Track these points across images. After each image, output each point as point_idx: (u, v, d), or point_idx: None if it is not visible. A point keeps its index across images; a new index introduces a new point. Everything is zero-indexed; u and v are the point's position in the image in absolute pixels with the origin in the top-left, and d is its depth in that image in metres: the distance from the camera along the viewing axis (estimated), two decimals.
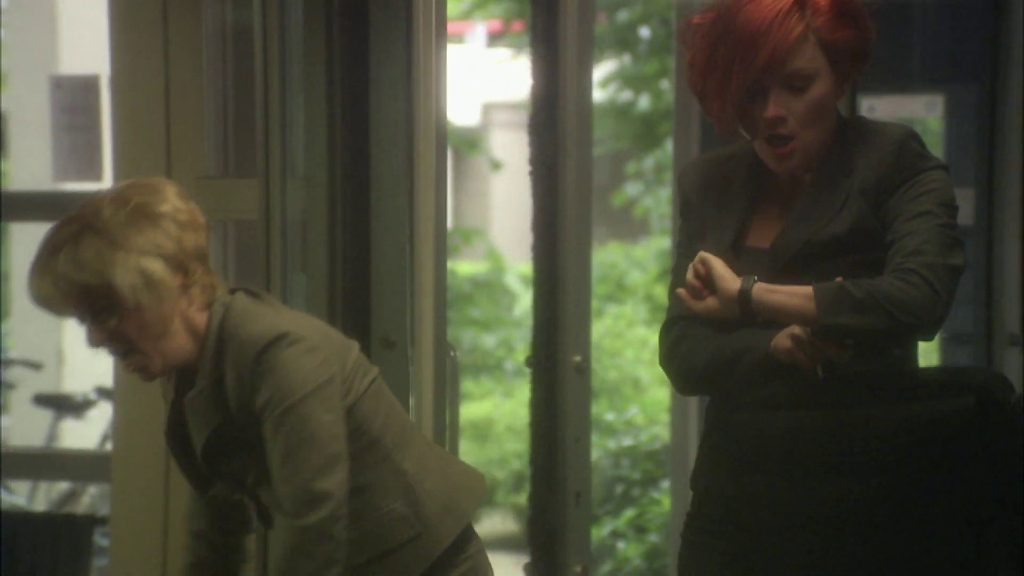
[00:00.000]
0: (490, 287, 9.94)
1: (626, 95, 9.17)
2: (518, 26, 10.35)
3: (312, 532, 2.22)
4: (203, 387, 2.28)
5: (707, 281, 2.19)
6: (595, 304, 8.79)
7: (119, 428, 3.53)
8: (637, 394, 7.62)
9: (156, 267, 2.23)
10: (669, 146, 8.40)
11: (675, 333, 2.30)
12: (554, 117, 3.11)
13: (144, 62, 3.46)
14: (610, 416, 7.18)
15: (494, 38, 11.95)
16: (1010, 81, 3.68)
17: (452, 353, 3.14)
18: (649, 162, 9.33)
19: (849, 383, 2.16)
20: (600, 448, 7.41)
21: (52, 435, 5.64)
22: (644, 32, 8.99)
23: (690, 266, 2.21)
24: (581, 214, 3.15)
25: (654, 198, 9.23)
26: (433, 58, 3.07)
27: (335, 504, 2.23)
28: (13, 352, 5.81)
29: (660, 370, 2.39)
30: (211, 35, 3.55)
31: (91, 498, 5.30)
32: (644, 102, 9.16)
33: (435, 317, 3.09)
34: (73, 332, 5.80)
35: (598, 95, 10.55)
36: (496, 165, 11.66)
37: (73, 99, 4.06)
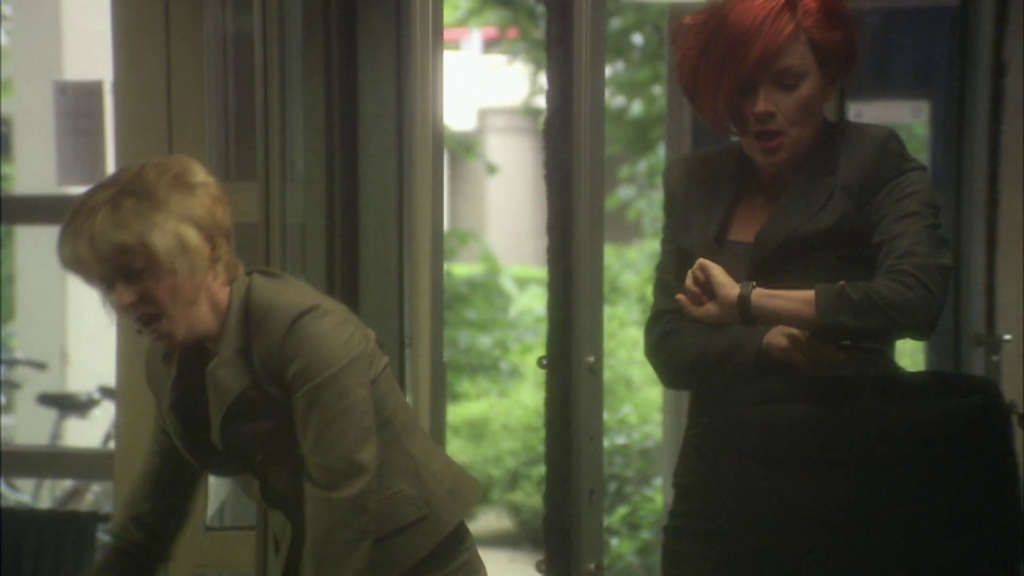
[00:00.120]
0: (485, 289, 9.98)
1: (619, 100, 9.22)
2: (513, 33, 10.39)
3: (348, 504, 2.23)
4: (227, 357, 2.28)
5: (706, 287, 2.22)
6: None
7: (122, 427, 3.55)
8: (630, 393, 7.66)
9: (191, 235, 2.25)
10: (661, 150, 8.46)
11: (662, 327, 2.35)
12: (569, 122, 3.13)
13: (146, 68, 3.47)
14: (604, 415, 7.22)
15: (489, 45, 11.99)
16: (977, 87, 3.73)
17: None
18: (642, 166, 9.38)
19: (849, 381, 2.18)
20: None
21: (56, 434, 5.66)
22: (637, 39, 9.04)
23: (689, 272, 2.23)
24: (594, 217, 3.15)
25: (647, 201, 9.28)
26: (430, 64, 3.08)
27: (370, 476, 2.25)
28: (18, 352, 5.84)
29: (652, 370, 2.42)
30: (212, 41, 3.57)
31: (94, 496, 5.32)
32: (637, 107, 9.22)
33: (432, 318, 3.12)
34: (77, 333, 5.85)
35: None
36: (492, 169, 11.69)
37: (77, 104, 4.09)
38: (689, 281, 2.23)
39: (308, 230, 3.55)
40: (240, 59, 3.59)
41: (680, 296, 2.24)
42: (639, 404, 7.40)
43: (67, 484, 5.35)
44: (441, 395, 3.16)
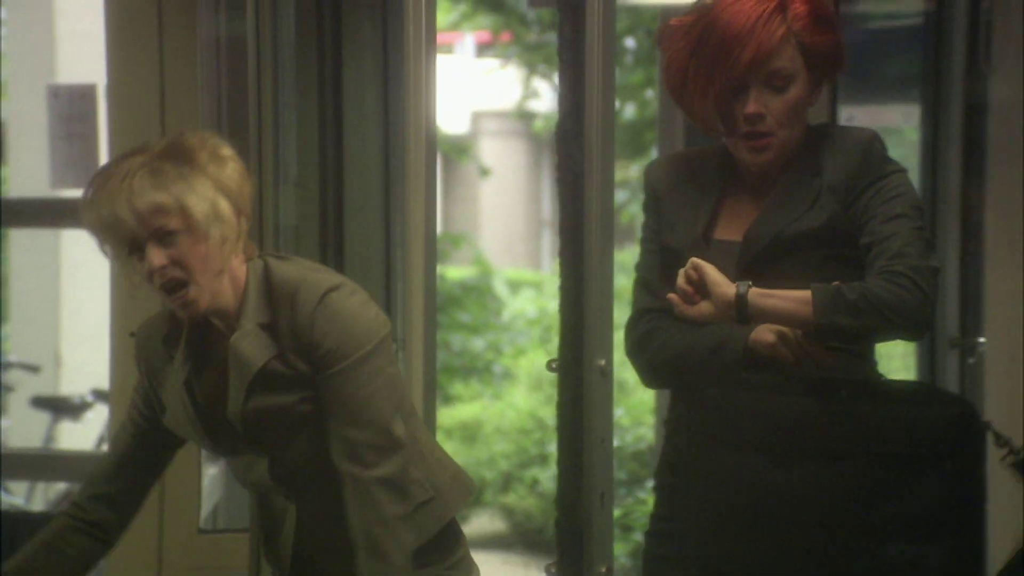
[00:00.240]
0: (479, 291, 9.99)
1: None
2: (506, 37, 10.41)
3: (390, 484, 2.25)
4: (249, 329, 2.29)
5: (699, 285, 2.23)
6: None
7: (115, 430, 3.55)
8: (623, 396, 7.67)
9: (224, 205, 2.27)
10: (654, 154, 8.47)
11: (644, 326, 2.37)
12: (581, 126, 3.13)
13: (140, 72, 3.47)
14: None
15: (483, 48, 12.01)
16: (952, 93, 3.76)
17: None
18: (635, 170, 9.41)
19: (829, 379, 2.20)
20: None
21: (50, 437, 5.66)
22: (629, 43, 9.07)
23: (681, 271, 2.24)
24: (604, 221, 3.14)
25: (640, 205, 9.30)
26: (423, 68, 3.10)
27: (405, 453, 2.28)
28: (11, 355, 5.84)
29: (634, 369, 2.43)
30: (205, 45, 3.58)
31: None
32: (630, 111, 9.24)
33: (425, 321, 3.12)
34: (70, 336, 5.85)
35: None
36: (484, 172, 11.72)
37: (70, 108, 4.09)
38: (681, 280, 2.24)
39: (301, 233, 3.56)
40: (233, 63, 3.60)
41: (672, 295, 2.26)
42: (632, 406, 7.42)
43: (60, 487, 5.34)
44: (432, 397, 3.17)
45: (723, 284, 2.21)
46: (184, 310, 2.29)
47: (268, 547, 2.47)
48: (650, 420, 6.72)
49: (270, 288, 2.31)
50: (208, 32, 3.61)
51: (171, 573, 3.36)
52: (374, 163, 3.61)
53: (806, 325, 2.18)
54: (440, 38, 3.26)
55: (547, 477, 7.76)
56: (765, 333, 2.23)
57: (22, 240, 5.50)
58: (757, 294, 2.19)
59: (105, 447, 4.63)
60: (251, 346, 2.29)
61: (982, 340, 3.63)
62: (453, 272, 10.30)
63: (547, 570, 3.25)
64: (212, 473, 3.90)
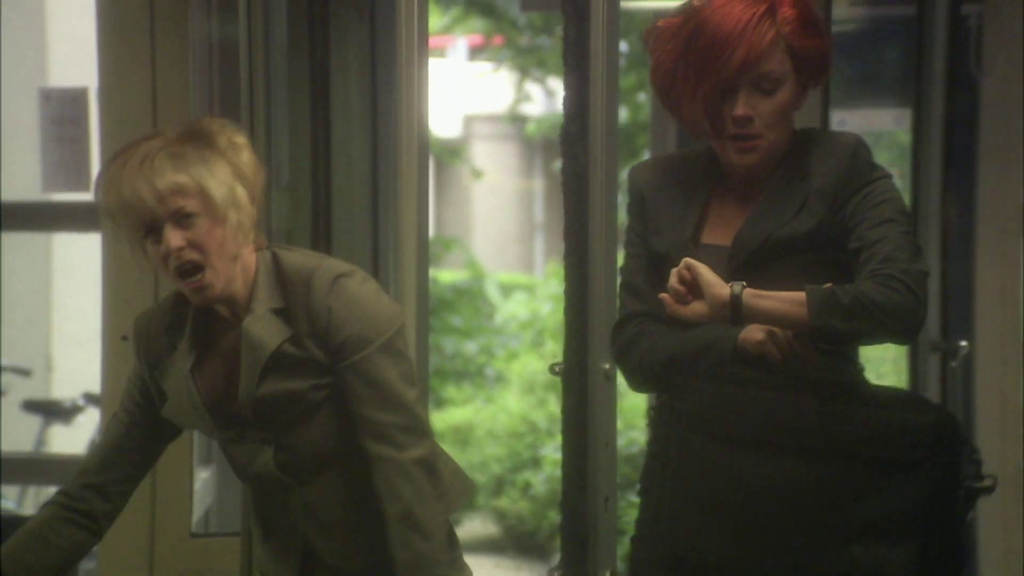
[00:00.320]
0: (471, 295, 10.00)
1: None
2: (498, 40, 10.43)
3: (424, 466, 2.28)
4: (261, 313, 2.30)
5: (692, 286, 2.23)
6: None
7: (107, 420, 3.58)
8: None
9: (241, 191, 2.29)
10: (647, 157, 8.48)
11: (632, 329, 2.37)
12: (586, 129, 3.14)
13: (131, 75, 3.48)
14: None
15: (475, 52, 12.02)
16: (932, 98, 3.77)
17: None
18: (627, 173, 9.41)
19: (812, 378, 2.21)
20: None
21: (41, 441, 5.65)
22: (623, 47, 9.08)
23: (673, 271, 2.24)
24: (608, 225, 3.17)
25: None
26: (415, 71, 3.11)
27: (432, 436, 2.32)
28: (3, 359, 5.83)
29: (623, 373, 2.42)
30: (197, 49, 3.59)
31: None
32: (622, 114, 9.26)
33: (418, 324, 3.12)
34: (61, 340, 5.84)
35: None
36: (477, 173, 11.73)
37: (62, 111, 4.09)
38: (674, 280, 2.24)
39: (294, 237, 3.57)
40: (225, 66, 3.60)
41: (664, 295, 2.26)
42: (624, 410, 7.42)
43: (52, 491, 5.33)
44: (425, 401, 3.17)
45: (717, 284, 2.21)
46: (197, 294, 2.29)
47: (266, 546, 2.46)
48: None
49: (281, 275, 2.32)
50: (200, 35, 3.62)
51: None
52: (361, 166, 3.61)
53: (800, 326, 2.19)
54: (432, 42, 3.26)
55: (539, 481, 7.76)
56: (755, 331, 2.24)
57: (13, 243, 5.49)
58: (751, 295, 2.20)
59: None
60: (264, 329, 2.30)
61: (964, 344, 3.64)
62: (445, 275, 10.31)
63: (550, 574, 3.26)
64: (204, 477, 3.90)
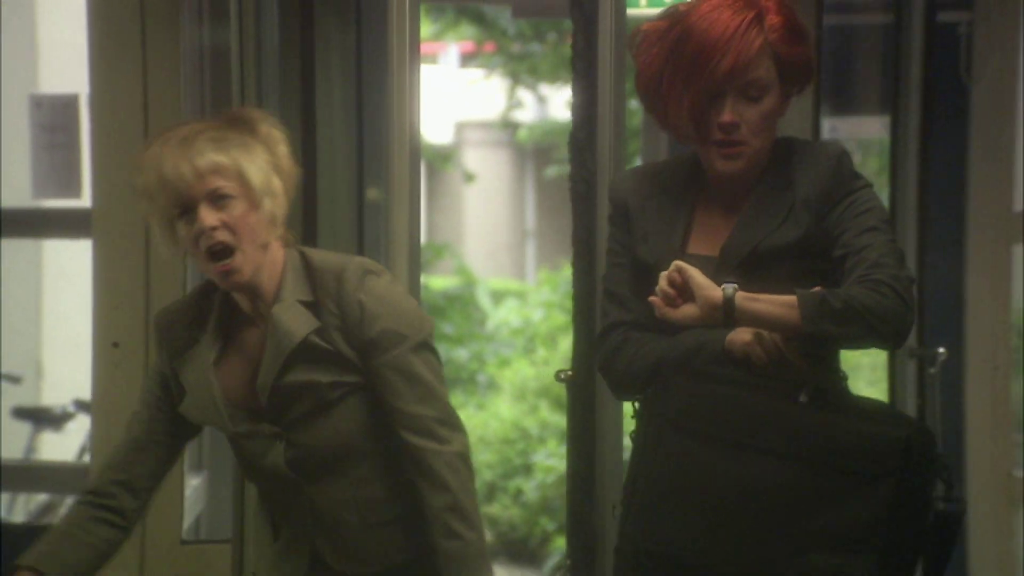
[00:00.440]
0: (462, 301, 10.00)
1: None
2: (490, 47, 10.43)
3: (465, 459, 2.34)
4: (290, 303, 2.32)
5: (683, 289, 2.23)
6: (564, 319, 8.89)
7: (97, 440, 3.55)
8: None
9: (277, 182, 2.32)
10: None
11: (616, 337, 2.37)
12: (594, 135, 3.16)
13: (123, 82, 3.49)
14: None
15: (466, 59, 12.03)
16: (909, 105, 3.78)
17: None
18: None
19: (795, 385, 2.22)
20: None
21: (31, 448, 5.64)
22: None
23: (663, 275, 2.24)
24: None
25: None
26: (407, 78, 3.12)
27: (466, 431, 2.37)
28: None
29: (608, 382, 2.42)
30: (188, 55, 3.60)
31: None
32: None
33: None
34: (52, 346, 5.83)
35: (568, 115, 10.63)
36: (469, 177, 11.74)
37: (53, 118, 4.09)
38: (664, 283, 2.24)
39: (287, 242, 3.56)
40: (216, 73, 3.60)
41: (653, 299, 2.26)
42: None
43: (41, 498, 5.33)
44: None
45: (709, 287, 2.21)
46: (225, 278, 2.31)
47: (274, 547, 2.46)
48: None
49: (310, 270, 2.35)
50: (191, 42, 3.62)
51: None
52: (346, 173, 3.60)
53: (792, 330, 2.19)
54: (424, 48, 3.27)
55: (531, 487, 7.76)
56: (742, 333, 2.25)
57: (4, 250, 5.48)
58: (744, 297, 2.20)
59: (87, 458, 4.62)
60: (294, 318, 2.32)
61: (941, 350, 3.66)
62: (437, 282, 10.31)
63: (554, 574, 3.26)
64: (195, 484, 3.90)
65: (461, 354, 9.28)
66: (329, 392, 2.34)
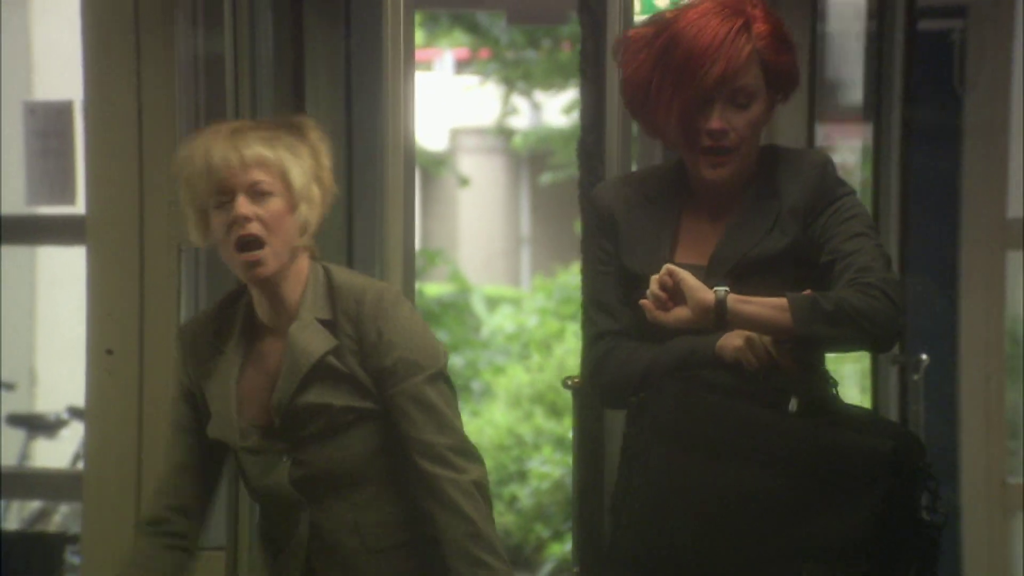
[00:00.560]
0: (457, 308, 9.99)
1: None
2: (485, 53, 10.44)
3: (483, 489, 2.32)
4: (308, 321, 2.33)
5: (674, 292, 2.24)
6: (560, 324, 8.89)
7: (90, 448, 3.54)
8: None
9: (316, 191, 2.35)
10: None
11: (604, 346, 2.37)
12: (602, 141, 3.15)
13: (117, 88, 3.49)
14: None
15: (461, 65, 12.04)
16: (891, 116, 3.79)
17: None
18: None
19: (784, 392, 2.22)
20: (564, 465, 7.48)
21: (24, 454, 5.64)
22: None
23: (655, 278, 2.25)
24: None
25: None
26: (402, 84, 3.12)
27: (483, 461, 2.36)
28: None
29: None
30: (183, 62, 3.58)
31: (63, 517, 5.30)
32: None
33: None
34: (46, 353, 5.82)
35: (563, 121, 10.65)
36: (464, 181, 11.74)
37: (47, 125, 4.09)
38: (655, 286, 2.24)
39: None
40: (211, 79, 3.60)
41: (644, 302, 2.26)
42: None
43: (35, 505, 5.32)
44: None
45: (701, 290, 2.21)
46: (250, 269, 2.31)
47: (271, 568, 2.46)
48: None
49: (332, 288, 2.36)
50: (185, 49, 3.61)
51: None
52: (338, 178, 3.59)
53: (784, 332, 2.20)
54: (418, 55, 3.27)
55: (526, 494, 7.76)
56: (733, 338, 2.25)
57: None
58: (736, 300, 2.20)
59: (80, 465, 4.62)
60: (311, 337, 2.33)
61: (924, 356, 3.66)
62: (431, 289, 10.30)
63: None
64: None
65: (456, 361, 9.27)
66: (341, 416, 2.34)
